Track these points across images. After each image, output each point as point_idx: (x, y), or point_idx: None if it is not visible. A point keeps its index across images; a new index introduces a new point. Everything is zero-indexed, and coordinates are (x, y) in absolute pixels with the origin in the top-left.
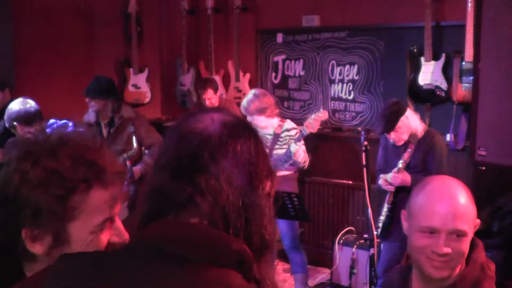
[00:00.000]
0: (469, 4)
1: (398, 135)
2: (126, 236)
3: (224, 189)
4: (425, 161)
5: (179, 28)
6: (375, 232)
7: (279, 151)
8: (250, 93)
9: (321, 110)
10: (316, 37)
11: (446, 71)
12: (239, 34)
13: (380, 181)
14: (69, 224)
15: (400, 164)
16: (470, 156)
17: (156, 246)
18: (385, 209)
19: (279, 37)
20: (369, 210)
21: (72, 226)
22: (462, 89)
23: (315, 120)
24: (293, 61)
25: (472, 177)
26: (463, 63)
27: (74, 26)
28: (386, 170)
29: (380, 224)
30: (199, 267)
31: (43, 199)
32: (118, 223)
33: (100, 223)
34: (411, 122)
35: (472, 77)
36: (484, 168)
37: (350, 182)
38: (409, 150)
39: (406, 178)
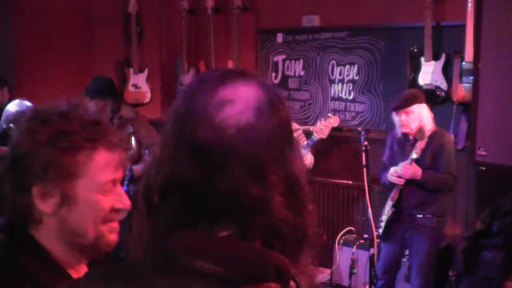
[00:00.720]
0: (469, 4)
1: (408, 120)
2: (128, 203)
3: (275, 193)
4: (434, 159)
5: (179, 28)
6: (375, 232)
7: None
8: None
9: (332, 116)
10: (316, 37)
11: (446, 71)
12: (239, 34)
13: (390, 173)
14: (76, 182)
15: (414, 154)
16: (470, 156)
17: (192, 264)
18: (387, 207)
19: (279, 37)
20: (369, 210)
21: (78, 184)
22: (462, 89)
23: (326, 127)
24: (293, 61)
25: (472, 177)
26: (463, 63)
27: (74, 26)
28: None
29: (383, 224)
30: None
31: (52, 153)
32: (120, 190)
33: (105, 183)
34: (424, 115)
35: (472, 77)
36: (484, 168)
37: (350, 182)
38: (425, 140)
39: (417, 171)
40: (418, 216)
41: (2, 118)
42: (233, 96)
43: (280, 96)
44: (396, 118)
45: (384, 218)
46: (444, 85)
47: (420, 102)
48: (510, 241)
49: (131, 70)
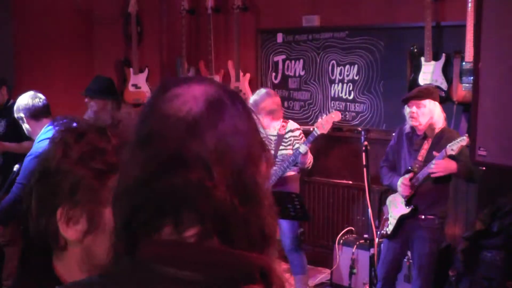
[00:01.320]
0: (469, 4)
1: (418, 113)
2: None
3: (219, 183)
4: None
5: (179, 28)
6: (375, 232)
7: (283, 152)
8: (262, 91)
9: (333, 110)
10: (316, 37)
11: (446, 71)
12: (239, 34)
13: (400, 182)
14: (106, 209)
15: (451, 151)
16: (470, 156)
17: (172, 273)
18: (398, 204)
19: (279, 37)
20: (369, 210)
21: (108, 211)
22: (462, 89)
23: (327, 122)
24: (293, 61)
25: None
26: (463, 63)
27: (74, 26)
28: (395, 165)
29: (393, 220)
30: None
31: (83, 173)
32: None
33: None
34: (436, 113)
35: (472, 77)
36: (484, 168)
37: (350, 182)
38: (467, 137)
39: (450, 165)
40: (421, 216)
41: (14, 107)
42: (182, 91)
43: (235, 97)
44: (407, 109)
45: (395, 215)
46: (444, 85)
47: (434, 99)
48: (510, 241)
49: (131, 70)
